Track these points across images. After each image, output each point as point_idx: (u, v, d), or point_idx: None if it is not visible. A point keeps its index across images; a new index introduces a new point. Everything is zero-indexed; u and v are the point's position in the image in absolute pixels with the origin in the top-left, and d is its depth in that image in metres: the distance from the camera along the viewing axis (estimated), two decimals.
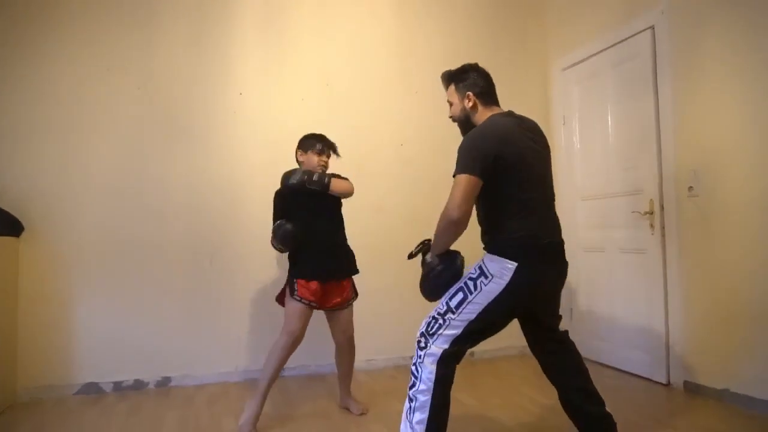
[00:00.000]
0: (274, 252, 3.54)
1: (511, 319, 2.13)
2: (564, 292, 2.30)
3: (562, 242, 2.16)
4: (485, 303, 1.97)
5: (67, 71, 3.36)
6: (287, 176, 2.67)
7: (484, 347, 2.47)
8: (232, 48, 3.64)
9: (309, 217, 2.70)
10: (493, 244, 2.05)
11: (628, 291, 3.41)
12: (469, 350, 2.10)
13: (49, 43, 3.34)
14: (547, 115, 4.19)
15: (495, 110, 2.17)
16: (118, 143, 3.42)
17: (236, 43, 3.65)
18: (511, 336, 2.53)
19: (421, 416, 1.97)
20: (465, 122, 2.20)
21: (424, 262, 2.12)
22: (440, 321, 2.01)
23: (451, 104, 2.25)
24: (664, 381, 3.13)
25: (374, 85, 3.89)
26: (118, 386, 3.33)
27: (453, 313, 2.00)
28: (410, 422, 1.99)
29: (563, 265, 2.16)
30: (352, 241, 2.91)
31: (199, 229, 3.51)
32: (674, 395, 2.98)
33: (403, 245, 2.20)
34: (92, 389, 3.29)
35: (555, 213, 2.18)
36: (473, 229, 2.04)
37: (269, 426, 2.64)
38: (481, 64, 2.27)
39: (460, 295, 2.01)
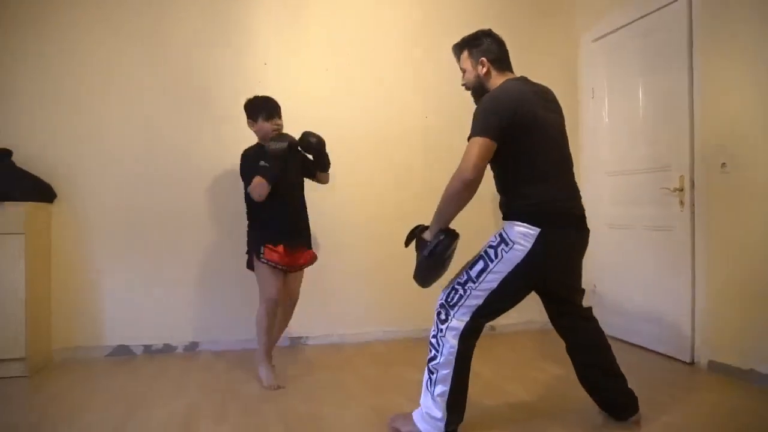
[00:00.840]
0: None
1: (532, 289, 2.10)
2: (588, 269, 2.26)
3: (582, 208, 2.12)
4: (506, 271, 1.95)
5: (92, 43, 3.39)
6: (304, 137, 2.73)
7: (505, 321, 2.47)
8: (255, 17, 3.61)
9: (280, 177, 2.67)
10: (512, 210, 2.02)
11: (654, 268, 3.36)
12: (490, 324, 2.09)
13: (70, 15, 3.35)
14: (574, 89, 4.09)
15: (509, 76, 2.13)
16: (142, 113, 3.46)
17: (259, 13, 3.62)
18: (533, 311, 2.53)
19: (442, 389, 1.99)
20: (479, 89, 2.15)
21: (420, 242, 2.01)
22: (461, 291, 1.99)
23: (464, 71, 2.20)
24: (688, 360, 3.10)
25: (398, 55, 3.83)
26: (148, 349, 3.44)
27: (474, 282, 1.98)
28: (431, 394, 2.01)
29: (584, 231, 2.11)
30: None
31: (223, 197, 3.54)
32: (698, 374, 2.95)
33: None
34: (123, 351, 3.41)
35: (573, 178, 2.13)
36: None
37: (283, 393, 2.68)
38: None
39: (480, 264, 1.99)
